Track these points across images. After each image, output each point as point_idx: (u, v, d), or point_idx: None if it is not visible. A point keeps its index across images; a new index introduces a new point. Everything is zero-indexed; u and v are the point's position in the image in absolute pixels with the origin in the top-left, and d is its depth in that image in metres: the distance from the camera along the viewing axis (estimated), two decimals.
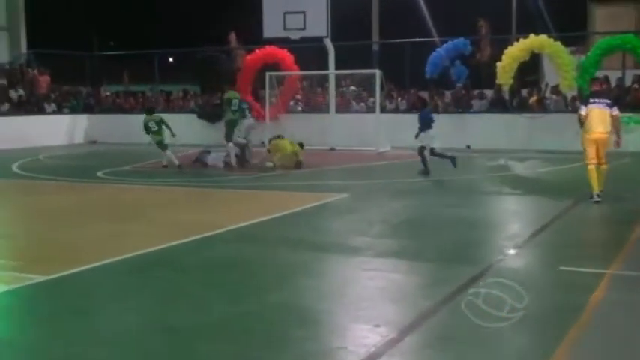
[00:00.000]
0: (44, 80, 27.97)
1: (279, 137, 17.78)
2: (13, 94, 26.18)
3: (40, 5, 31.69)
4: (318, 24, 21.92)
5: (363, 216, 10.67)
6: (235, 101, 17.54)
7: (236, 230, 9.42)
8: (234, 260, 7.89)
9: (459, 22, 26.92)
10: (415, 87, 24.46)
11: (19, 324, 5.96)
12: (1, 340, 5.56)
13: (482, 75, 24.30)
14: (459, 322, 5.64)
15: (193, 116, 25.81)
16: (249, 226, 9.71)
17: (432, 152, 15.42)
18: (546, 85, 23.46)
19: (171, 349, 5.20)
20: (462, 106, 23.17)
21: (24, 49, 30.02)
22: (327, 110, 23.25)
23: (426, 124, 15.37)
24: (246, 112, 17.91)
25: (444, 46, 23.09)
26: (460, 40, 22.97)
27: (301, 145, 17.41)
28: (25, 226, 10.31)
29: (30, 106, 26.29)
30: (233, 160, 17.30)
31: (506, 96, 22.30)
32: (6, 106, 25.16)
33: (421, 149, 15.42)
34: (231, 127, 17.38)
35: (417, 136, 15.59)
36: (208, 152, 18.13)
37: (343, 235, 9.23)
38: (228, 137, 17.36)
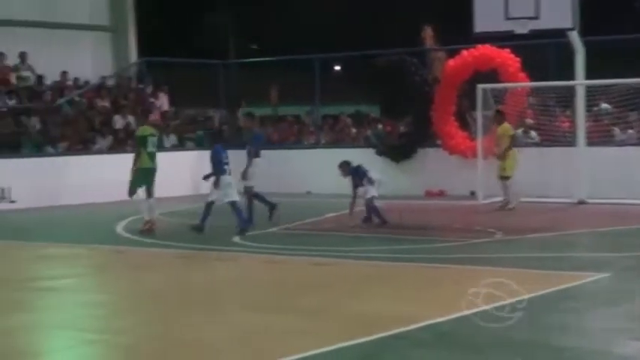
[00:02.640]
0: (160, 102, 29.46)
1: None
2: (118, 121, 27.65)
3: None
4: (558, 10, 21.63)
5: (636, 307, 10.33)
6: (152, 139, 18.12)
7: (434, 327, 9.37)
8: None
9: None
10: None
11: None
12: None
13: None
14: None
15: (371, 152, 26.09)
16: (452, 320, 9.64)
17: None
18: None
19: None
20: None
21: (133, 57, 31.83)
22: (572, 142, 22.85)
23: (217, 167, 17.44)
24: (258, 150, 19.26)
25: None
26: None
27: None
28: (134, 316, 10.77)
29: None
30: (146, 215, 17.96)
31: None
32: (108, 141, 26.54)
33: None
34: (142, 177, 17.94)
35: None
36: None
37: (604, 338, 8.96)
38: (130, 191, 18.03)
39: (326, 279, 12.92)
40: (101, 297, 12.23)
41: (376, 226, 18.12)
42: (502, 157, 21.26)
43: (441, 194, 24.74)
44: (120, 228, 18.75)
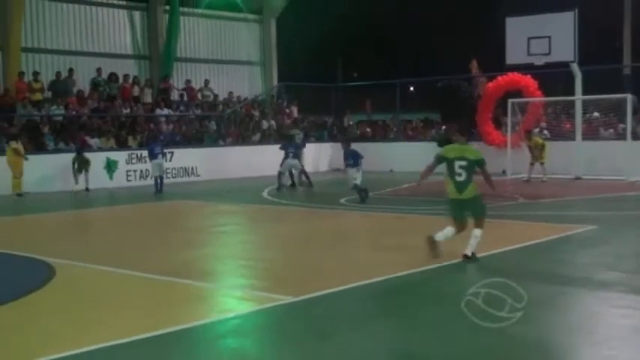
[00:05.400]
0: (292, 111, 29.74)
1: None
2: (264, 124, 28.07)
3: (289, 42, 33.75)
4: (564, 48, 21.09)
5: (613, 249, 10.05)
6: None
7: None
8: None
9: None
10: None
11: (267, 343, 6.30)
12: (250, 357, 5.93)
13: None
14: None
15: (433, 144, 25.92)
16: (489, 256, 9.52)
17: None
18: None
19: None
20: None
21: (275, 81, 32.16)
22: (572, 137, 22.24)
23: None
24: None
25: None
26: None
27: None
28: (272, 249, 10.93)
29: (277, 135, 28.02)
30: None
31: None
32: (257, 136, 27.02)
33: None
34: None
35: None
36: None
37: (590, 269, 8.75)
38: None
39: (402, 227, 12.87)
40: (250, 237, 12.43)
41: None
42: (540, 154, 20.93)
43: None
44: (264, 193, 18.93)
